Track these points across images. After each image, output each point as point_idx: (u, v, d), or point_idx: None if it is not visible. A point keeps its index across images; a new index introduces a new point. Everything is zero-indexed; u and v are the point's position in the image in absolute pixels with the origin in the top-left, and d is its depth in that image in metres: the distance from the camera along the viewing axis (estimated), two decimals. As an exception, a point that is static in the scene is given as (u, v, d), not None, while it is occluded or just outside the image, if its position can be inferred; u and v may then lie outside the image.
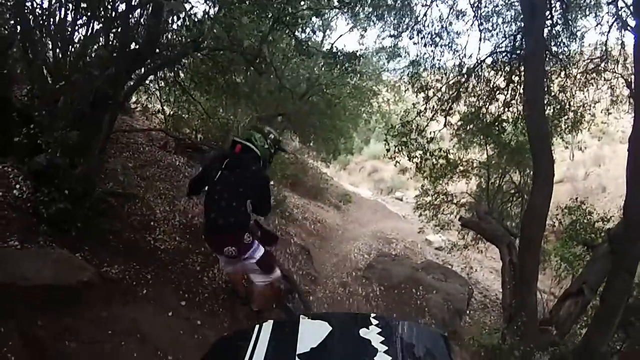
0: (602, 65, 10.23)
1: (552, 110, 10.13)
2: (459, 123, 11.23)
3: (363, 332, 1.92)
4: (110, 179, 6.77)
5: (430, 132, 10.90)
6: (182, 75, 8.87)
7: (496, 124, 10.44)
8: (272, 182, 5.58)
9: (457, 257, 14.18)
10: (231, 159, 4.65)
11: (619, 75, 10.11)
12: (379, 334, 1.90)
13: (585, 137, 11.60)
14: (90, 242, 5.31)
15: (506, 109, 10.49)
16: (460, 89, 10.66)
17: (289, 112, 13.05)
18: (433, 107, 10.84)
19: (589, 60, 10.42)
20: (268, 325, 2.02)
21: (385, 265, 9.25)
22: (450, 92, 10.75)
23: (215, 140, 9.91)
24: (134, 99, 10.07)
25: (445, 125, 11.07)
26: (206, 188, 4.69)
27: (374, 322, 2.01)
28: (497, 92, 10.58)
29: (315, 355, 1.79)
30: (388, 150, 10.71)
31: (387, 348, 1.80)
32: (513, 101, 10.38)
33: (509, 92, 10.33)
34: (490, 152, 11.42)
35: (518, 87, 10.11)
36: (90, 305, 4.49)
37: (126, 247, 5.77)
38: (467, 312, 9.68)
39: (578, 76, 10.33)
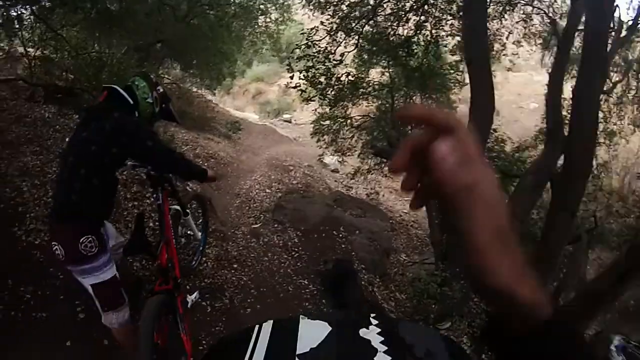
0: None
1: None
2: (363, 44, 10.64)
3: (363, 332, 1.50)
4: None
5: (339, 54, 10.21)
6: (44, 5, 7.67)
7: (405, 46, 9.95)
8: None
9: (360, 182, 13.79)
10: (90, 110, 3.44)
11: (541, 11, 10.27)
12: (378, 334, 1.48)
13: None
14: None
15: (417, 31, 10.08)
16: (369, 8, 10.07)
17: (169, 38, 12.18)
18: (333, 27, 10.16)
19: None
20: (268, 325, 1.49)
21: (296, 205, 8.52)
22: (356, 11, 10.12)
23: (89, 80, 8.41)
24: None
25: (356, 47, 10.29)
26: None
27: (374, 322, 1.52)
28: (409, 12, 10.07)
29: (314, 355, 1.39)
30: (292, 78, 9.92)
31: (387, 348, 1.40)
32: (426, 23, 10.01)
33: (422, 13, 9.90)
34: (393, 75, 10.97)
35: (432, 9, 9.81)
36: None
37: None
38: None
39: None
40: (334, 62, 10.00)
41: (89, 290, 3.36)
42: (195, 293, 4.44)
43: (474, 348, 6.38)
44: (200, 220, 5.61)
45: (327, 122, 12.29)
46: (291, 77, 9.91)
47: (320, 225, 7.91)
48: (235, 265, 6.21)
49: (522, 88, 24.06)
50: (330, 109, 11.57)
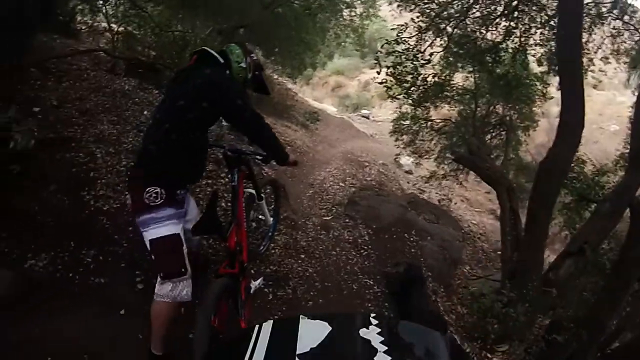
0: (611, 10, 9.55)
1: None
2: (451, 46, 10.19)
3: (363, 332, 1.87)
4: (39, 120, 5.46)
5: (427, 54, 9.85)
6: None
7: (493, 52, 9.62)
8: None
9: (434, 187, 13.41)
10: (180, 73, 3.38)
11: (630, 27, 9.62)
12: (378, 333, 1.85)
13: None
14: (5, 224, 4.08)
15: (506, 38, 9.64)
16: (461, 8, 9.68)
17: (253, 24, 12.11)
18: (420, 26, 9.75)
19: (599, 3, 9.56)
20: (268, 325, 1.95)
21: (370, 202, 8.24)
22: (447, 11, 9.74)
23: (171, 58, 8.43)
24: (78, 18, 9.16)
25: (444, 48, 9.93)
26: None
27: (374, 322, 1.95)
28: (499, 17, 9.65)
29: (315, 355, 1.74)
30: (379, 73, 9.68)
31: (387, 348, 1.76)
32: (515, 30, 9.57)
33: (512, 19, 9.47)
34: (478, 80, 10.64)
35: (521, 15, 9.36)
36: (11, 326, 3.35)
37: (57, 221, 4.46)
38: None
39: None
40: (422, 61, 9.65)
41: (148, 249, 3.20)
42: (260, 279, 4.30)
43: None
44: (273, 206, 5.53)
45: (408, 122, 12.07)
46: (378, 72, 9.67)
47: (392, 225, 7.65)
48: (302, 256, 6.06)
49: (604, 108, 22.71)
50: (412, 109, 11.33)
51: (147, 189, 3.05)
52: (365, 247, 7.06)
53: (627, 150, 7.87)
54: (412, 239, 7.47)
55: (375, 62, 9.87)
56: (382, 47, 9.76)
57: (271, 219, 5.26)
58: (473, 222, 13.45)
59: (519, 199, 8.66)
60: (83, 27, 9.69)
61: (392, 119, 13.06)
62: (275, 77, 17.71)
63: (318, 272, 5.89)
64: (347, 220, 7.77)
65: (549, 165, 6.54)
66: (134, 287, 4.26)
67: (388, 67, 9.59)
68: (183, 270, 3.20)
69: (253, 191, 4.25)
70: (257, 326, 1.95)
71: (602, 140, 19.79)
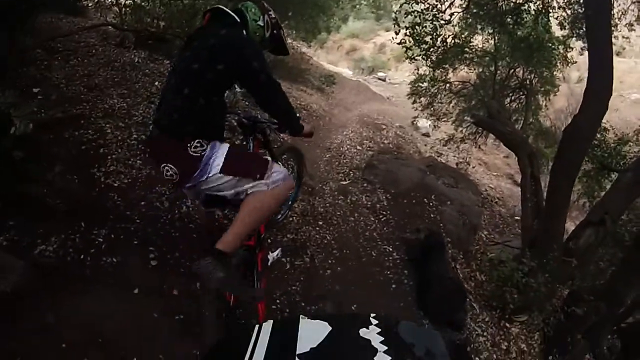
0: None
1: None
2: (471, 6, 9.87)
3: (363, 332, 1.87)
4: (43, 101, 5.41)
5: (447, 15, 9.53)
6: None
7: (515, 13, 9.34)
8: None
9: (452, 150, 13.29)
10: (195, 34, 3.14)
11: None
12: (378, 333, 1.85)
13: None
14: (13, 212, 3.99)
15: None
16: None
17: None
18: None
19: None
20: (268, 325, 1.92)
21: (389, 166, 8.10)
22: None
23: (181, 27, 8.20)
24: None
25: (465, 9, 9.66)
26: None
27: (374, 322, 1.95)
28: None
29: (315, 355, 1.72)
30: (397, 33, 9.42)
31: (387, 348, 1.73)
32: None
33: None
34: (498, 43, 10.34)
35: None
36: (26, 315, 3.28)
37: (67, 201, 4.36)
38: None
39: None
40: (442, 21, 9.39)
41: (228, 196, 3.01)
42: (277, 250, 3.99)
43: (544, 347, 6.03)
44: (293, 174, 5.06)
45: (426, 84, 11.86)
46: (396, 33, 9.41)
47: (411, 190, 7.53)
48: (320, 222, 5.97)
49: (625, 75, 22.01)
50: (431, 71, 11.08)
51: (190, 144, 2.84)
52: (384, 213, 6.95)
53: None
54: (431, 203, 7.35)
55: (394, 21, 9.58)
56: (400, 6, 9.47)
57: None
58: (490, 186, 13.33)
59: (540, 165, 8.51)
60: (90, 3, 9.63)
61: (410, 82, 12.90)
62: (290, 41, 17.26)
63: (336, 239, 5.80)
64: (365, 185, 7.66)
65: (574, 133, 6.38)
66: (147, 265, 4.15)
67: (406, 28, 9.34)
68: (266, 160, 3.10)
69: (270, 159, 3.92)
70: (257, 326, 1.94)
71: (622, 108, 19.48)
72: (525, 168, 7.61)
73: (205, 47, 2.84)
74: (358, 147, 10.25)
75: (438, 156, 12.66)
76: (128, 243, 4.24)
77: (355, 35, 27.60)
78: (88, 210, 4.34)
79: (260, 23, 3.16)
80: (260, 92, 3.01)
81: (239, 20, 3.06)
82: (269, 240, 4.91)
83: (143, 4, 8.67)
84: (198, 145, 2.83)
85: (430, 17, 9.20)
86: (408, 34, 9.34)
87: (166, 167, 2.90)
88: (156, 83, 6.98)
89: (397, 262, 5.98)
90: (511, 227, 10.26)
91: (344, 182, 7.60)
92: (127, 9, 8.59)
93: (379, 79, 23.37)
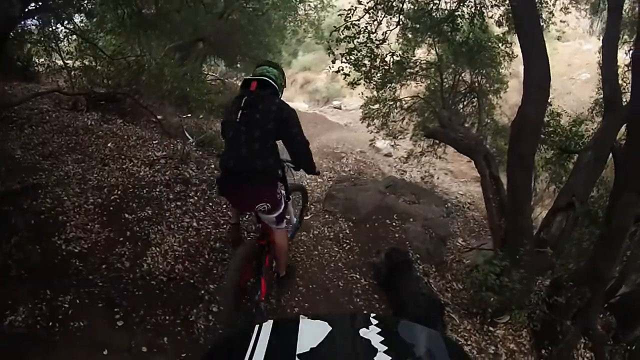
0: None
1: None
2: (406, 21, 10.09)
3: (363, 332, 1.88)
4: (2, 172, 5.58)
5: (381, 34, 9.57)
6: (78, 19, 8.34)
7: (449, 20, 9.43)
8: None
9: (414, 166, 13.15)
10: (249, 97, 4.04)
11: None
12: (379, 333, 1.86)
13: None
14: None
15: (461, 4, 9.43)
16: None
17: (209, 36, 12.43)
18: (371, 6, 9.40)
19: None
20: (268, 325, 1.95)
21: (347, 194, 8.19)
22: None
23: (129, 85, 8.99)
24: (36, 60, 9.69)
25: (398, 24, 9.79)
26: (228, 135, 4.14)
27: (374, 322, 1.96)
28: None
29: (315, 355, 1.74)
30: (334, 62, 9.42)
31: (387, 348, 1.75)
32: None
33: None
34: (440, 52, 10.49)
35: None
36: None
37: (31, 272, 4.50)
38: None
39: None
40: (376, 42, 9.43)
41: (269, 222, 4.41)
42: None
43: (534, 342, 5.99)
44: (298, 210, 6.53)
45: (376, 105, 11.83)
46: (333, 62, 9.40)
47: (372, 214, 7.61)
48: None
49: (572, 58, 22.37)
50: (377, 92, 11.11)
51: (277, 190, 4.24)
52: (347, 241, 7.01)
53: (601, 97, 7.88)
54: (394, 224, 7.41)
55: (328, 50, 9.67)
56: (330, 34, 9.55)
57: (295, 219, 5.83)
58: (460, 193, 13.41)
59: (500, 163, 8.59)
60: (41, 69, 9.91)
61: (361, 105, 12.92)
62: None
63: (301, 276, 5.83)
64: (326, 216, 7.71)
65: (522, 125, 6.39)
66: (114, 325, 4.28)
67: (342, 55, 9.36)
68: (287, 204, 4.57)
69: (284, 192, 4.61)
70: (257, 326, 1.97)
71: (574, 90, 19.60)
72: (483, 169, 7.65)
73: (269, 112, 3.93)
74: (318, 180, 10.23)
75: (402, 174, 12.79)
76: (94, 306, 4.39)
77: (307, 67, 27.77)
78: (52, 278, 4.49)
79: (283, 84, 4.35)
80: (294, 148, 4.19)
81: (277, 88, 4.21)
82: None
83: (92, 64, 9.13)
84: (281, 189, 4.29)
85: (364, 40, 9.25)
86: (344, 60, 9.36)
87: (263, 205, 4.09)
88: (109, 144, 7.23)
89: (366, 288, 6.02)
90: (487, 229, 10.19)
91: (306, 217, 7.53)
92: (76, 71, 9.17)
93: (335, 107, 23.61)
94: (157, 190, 6.35)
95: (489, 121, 11.53)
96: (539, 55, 6.22)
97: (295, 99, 25.19)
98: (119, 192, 6.05)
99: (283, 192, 4.35)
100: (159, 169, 6.88)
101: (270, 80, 4.12)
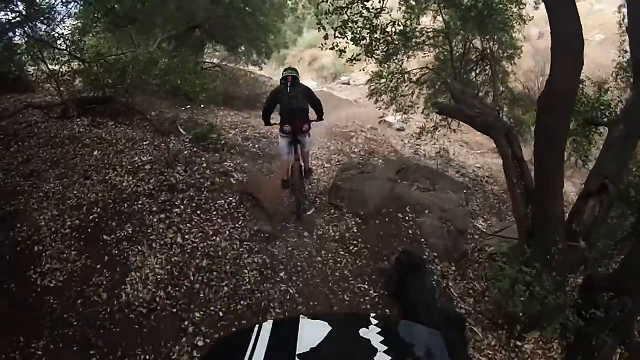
0: None
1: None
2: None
3: (363, 332, 1.97)
4: None
5: (378, 1, 8.55)
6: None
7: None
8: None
9: (429, 140, 12.17)
10: (292, 85, 7.02)
11: None
12: (378, 333, 1.94)
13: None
14: None
15: None
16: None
17: (204, 22, 12.36)
18: None
19: None
20: (268, 325, 2.08)
21: (354, 184, 7.54)
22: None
23: (114, 85, 8.92)
24: (31, 70, 9.79)
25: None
26: (278, 106, 7.09)
27: (374, 322, 2.05)
28: None
29: (315, 355, 1.84)
30: (326, 38, 8.24)
31: (387, 348, 1.85)
32: None
33: None
34: (447, 18, 9.62)
35: None
36: None
37: (4, 315, 4.48)
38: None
39: None
40: (374, 11, 8.56)
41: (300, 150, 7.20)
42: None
43: (566, 356, 5.34)
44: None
45: (383, 80, 10.97)
46: (325, 38, 8.23)
47: (382, 207, 6.98)
48: (282, 275, 5.62)
49: (585, 18, 21.38)
50: (381, 66, 10.31)
51: (309, 123, 7.09)
52: (355, 242, 6.43)
53: (624, 60, 7.36)
54: (407, 218, 6.78)
55: (318, 25, 8.62)
56: (317, 7, 8.75)
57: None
58: (477, 166, 12.62)
59: (517, 133, 7.83)
60: (33, 78, 9.92)
61: (367, 81, 12.04)
62: (244, 68, 17.22)
63: (301, 291, 5.39)
64: (332, 212, 7.19)
65: (551, 98, 5.51)
66: None
67: (335, 29, 8.25)
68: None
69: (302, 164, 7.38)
70: (257, 326, 2.07)
71: (590, 52, 18.42)
72: (505, 149, 6.69)
73: (304, 93, 7.06)
74: (326, 166, 9.65)
75: (415, 151, 12.38)
76: (68, 350, 4.33)
77: (313, 45, 26.24)
78: (26, 321, 4.48)
79: (299, 80, 7.33)
80: (317, 107, 7.25)
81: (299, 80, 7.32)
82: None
83: (81, 67, 8.92)
84: (308, 126, 7.06)
85: (359, 11, 8.28)
86: (339, 35, 8.26)
87: (306, 126, 7.02)
88: (95, 153, 7.16)
89: (376, 300, 5.48)
90: (508, 204, 9.46)
91: (309, 213, 7.10)
92: (64, 77, 8.88)
93: (344, 83, 23.02)
94: (140, 202, 6.08)
95: (504, 90, 10.73)
96: (569, 15, 5.41)
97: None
98: (99, 210, 5.86)
99: (309, 127, 7.18)
100: (144, 176, 6.62)
101: (296, 75, 7.26)
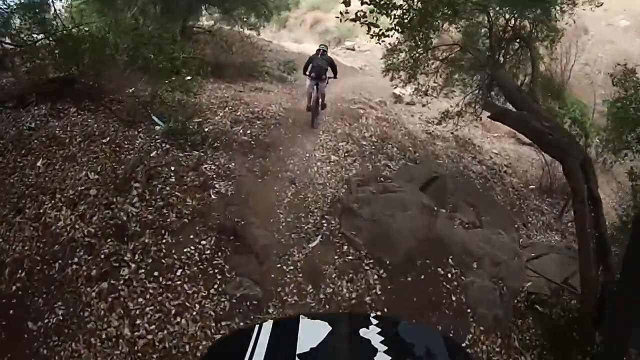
0: None
1: None
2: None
3: (363, 332, 1.97)
4: None
5: None
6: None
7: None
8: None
9: (448, 127, 11.02)
10: (321, 55, 10.37)
11: None
12: (378, 333, 1.94)
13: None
14: None
15: None
16: None
17: None
18: None
19: None
20: (268, 325, 2.04)
21: (375, 210, 5.88)
22: None
23: (76, 63, 7.96)
24: None
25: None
26: (310, 66, 10.30)
27: (374, 322, 2.04)
28: None
29: (315, 355, 1.82)
30: (347, 4, 5.92)
31: (387, 348, 1.84)
32: None
33: None
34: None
35: None
36: None
37: None
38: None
39: None
40: None
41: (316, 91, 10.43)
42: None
43: None
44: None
45: (403, 54, 9.56)
46: (346, 4, 6.00)
47: (416, 254, 5.42)
48: None
49: (609, 3, 20.55)
50: (410, 37, 8.51)
51: (327, 75, 10.48)
52: (379, 308, 4.80)
53: None
54: (449, 275, 5.21)
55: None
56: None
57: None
58: (494, 152, 11.65)
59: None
60: None
61: (383, 54, 10.76)
62: (240, 31, 15.36)
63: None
64: (344, 249, 5.54)
65: None
66: None
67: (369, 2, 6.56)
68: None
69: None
70: (257, 326, 2.00)
71: (615, 39, 18.07)
72: (579, 185, 5.17)
73: (328, 61, 10.69)
74: (333, 158, 8.27)
75: (430, 132, 11.42)
76: None
77: (315, 7, 26.44)
78: None
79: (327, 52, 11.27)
80: (334, 71, 10.74)
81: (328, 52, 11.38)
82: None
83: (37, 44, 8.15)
84: (325, 77, 10.55)
85: None
86: (367, 1, 6.51)
87: (324, 76, 10.44)
88: (39, 163, 6.11)
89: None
90: (528, 202, 9.36)
91: (312, 245, 5.55)
92: (21, 56, 8.27)
93: (348, 48, 22.10)
94: (75, 261, 4.66)
95: (540, 79, 9.47)
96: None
97: (304, 40, 23.68)
98: (24, 275, 4.67)
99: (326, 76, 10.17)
100: (84, 210, 5.23)
101: (326, 49, 10.72)
